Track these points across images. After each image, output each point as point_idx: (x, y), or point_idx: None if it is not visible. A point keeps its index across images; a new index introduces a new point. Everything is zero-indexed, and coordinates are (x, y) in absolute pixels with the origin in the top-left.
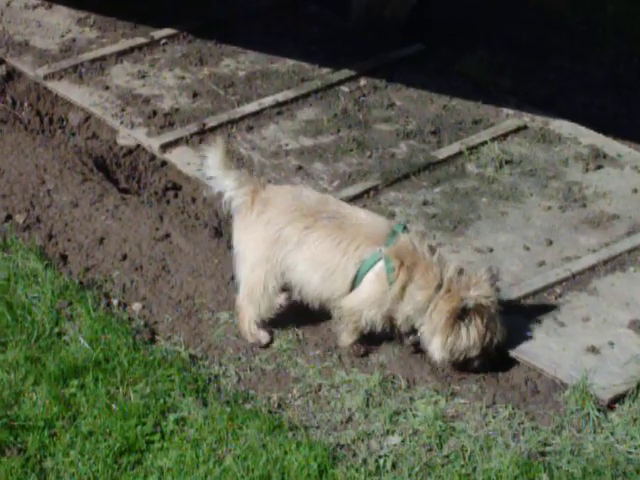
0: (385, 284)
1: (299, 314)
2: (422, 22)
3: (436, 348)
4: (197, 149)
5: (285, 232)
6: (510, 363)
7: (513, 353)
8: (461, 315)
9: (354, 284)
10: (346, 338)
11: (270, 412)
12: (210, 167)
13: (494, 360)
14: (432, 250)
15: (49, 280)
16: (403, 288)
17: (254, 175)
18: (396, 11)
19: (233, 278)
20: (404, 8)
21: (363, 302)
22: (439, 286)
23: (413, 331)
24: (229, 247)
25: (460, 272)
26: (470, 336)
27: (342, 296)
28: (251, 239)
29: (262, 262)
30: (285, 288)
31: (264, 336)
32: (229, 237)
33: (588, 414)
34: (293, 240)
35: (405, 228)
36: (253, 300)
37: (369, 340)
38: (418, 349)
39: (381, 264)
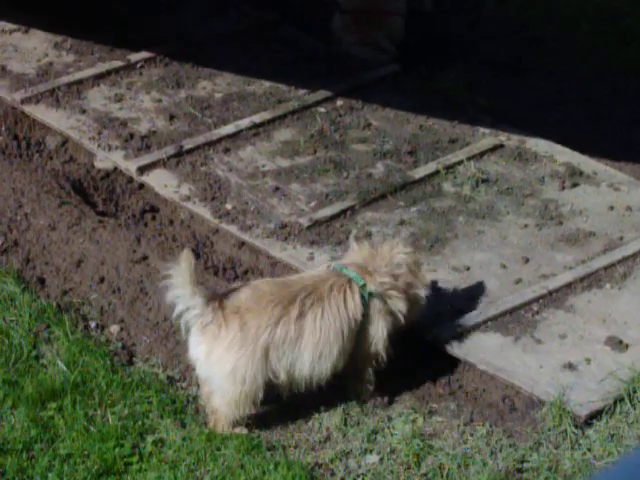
0: (388, 316)
1: None
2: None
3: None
4: (174, 171)
5: (277, 332)
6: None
7: (490, 370)
8: None
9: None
10: (364, 391)
11: (248, 432)
12: (177, 285)
13: None
14: (368, 245)
15: (27, 303)
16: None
17: (211, 287)
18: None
19: None
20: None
21: (381, 342)
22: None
23: None
24: (206, 269)
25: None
26: None
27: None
28: (240, 355)
29: (257, 374)
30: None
31: (241, 429)
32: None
33: (565, 431)
34: (290, 335)
35: (343, 267)
36: (236, 409)
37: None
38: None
39: (376, 302)
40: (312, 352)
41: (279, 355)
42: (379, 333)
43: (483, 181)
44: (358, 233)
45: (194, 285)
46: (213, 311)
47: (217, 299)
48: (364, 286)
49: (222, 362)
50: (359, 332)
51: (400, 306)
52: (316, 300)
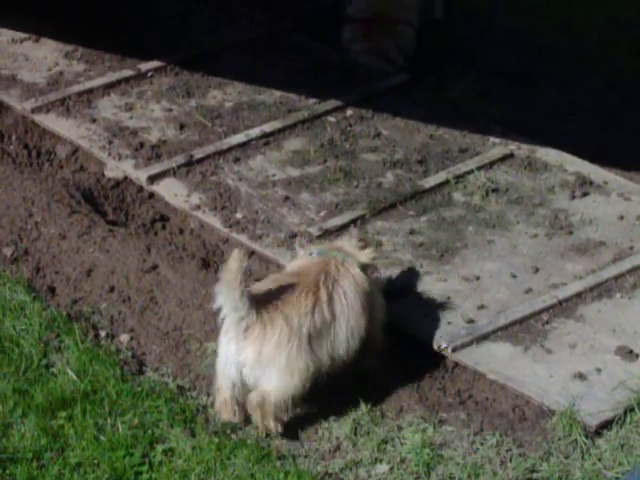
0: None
1: None
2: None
3: None
4: (184, 180)
5: (315, 319)
6: None
7: (500, 380)
8: None
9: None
10: (378, 362)
11: (258, 442)
12: (225, 287)
13: None
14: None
15: (37, 312)
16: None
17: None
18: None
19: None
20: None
21: (384, 309)
22: None
23: None
24: (216, 278)
25: None
26: None
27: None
28: (291, 347)
29: (308, 362)
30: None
31: (280, 427)
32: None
33: (575, 440)
34: (326, 319)
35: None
36: (292, 402)
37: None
38: None
39: (370, 273)
40: (346, 331)
41: (320, 341)
42: (381, 300)
43: (493, 190)
44: (301, 240)
45: (242, 287)
46: (256, 312)
47: (256, 299)
48: (354, 261)
49: (276, 359)
50: (369, 302)
51: (382, 278)
52: (334, 282)
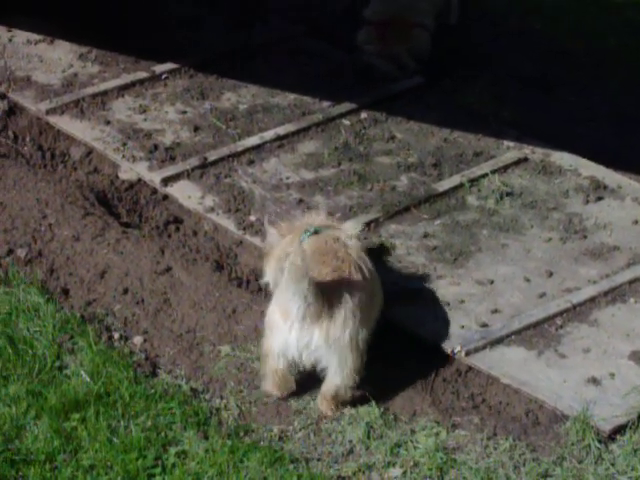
0: None
1: None
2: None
3: None
4: (198, 183)
5: (367, 293)
6: None
7: (514, 384)
8: None
9: None
10: None
11: (271, 445)
12: (295, 280)
13: None
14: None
15: (50, 314)
16: None
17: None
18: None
19: (234, 311)
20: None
21: None
22: None
23: None
24: (230, 280)
25: None
26: None
27: None
28: (353, 323)
29: (367, 335)
30: None
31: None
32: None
33: (589, 445)
34: (366, 291)
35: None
36: (357, 375)
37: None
38: None
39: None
40: (378, 299)
41: (367, 313)
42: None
43: (507, 194)
44: (270, 217)
45: (308, 277)
46: (322, 296)
47: (319, 284)
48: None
49: (341, 337)
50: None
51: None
52: (362, 257)
